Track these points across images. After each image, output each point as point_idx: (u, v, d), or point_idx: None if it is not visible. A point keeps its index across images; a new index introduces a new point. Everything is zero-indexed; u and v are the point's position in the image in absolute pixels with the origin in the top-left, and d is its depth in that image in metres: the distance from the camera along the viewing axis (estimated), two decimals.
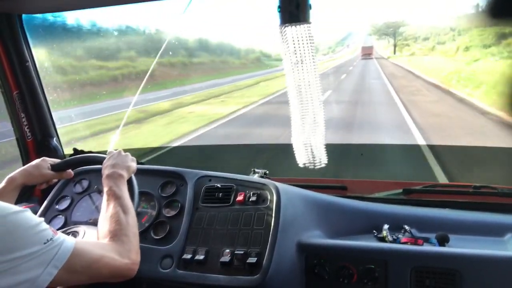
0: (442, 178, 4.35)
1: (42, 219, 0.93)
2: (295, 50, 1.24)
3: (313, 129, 1.34)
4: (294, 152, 1.40)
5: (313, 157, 1.37)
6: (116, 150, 1.37)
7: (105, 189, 1.19)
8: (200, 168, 1.59)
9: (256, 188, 1.44)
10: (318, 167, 1.38)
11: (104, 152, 1.83)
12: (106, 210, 1.13)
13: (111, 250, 1.01)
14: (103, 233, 1.08)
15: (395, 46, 36.19)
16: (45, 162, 1.40)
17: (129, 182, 1.30)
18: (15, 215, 0.87)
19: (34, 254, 0.86)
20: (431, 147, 5.95)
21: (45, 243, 0.88)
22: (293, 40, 1.23)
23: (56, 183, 1.59)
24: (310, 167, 1.38)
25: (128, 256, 1.04)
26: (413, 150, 6.04)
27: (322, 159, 1.37)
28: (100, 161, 1.34)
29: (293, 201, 1.42)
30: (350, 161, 5.08)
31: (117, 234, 1.06)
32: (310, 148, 1.36)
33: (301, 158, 1.38)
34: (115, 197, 1.15)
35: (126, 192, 1.20)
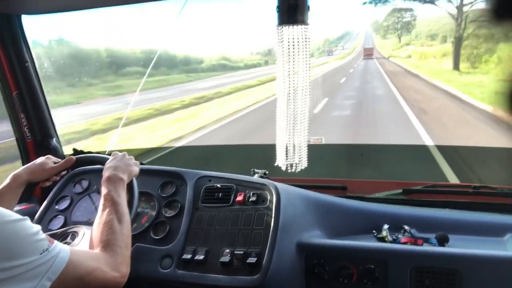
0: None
1: (40, 227, 0.92)
2: (289, 51, 1.24)
3: (299, 131, 1.34)
4: (276, 154, 1.40)
5: (294, 159, 1.38)
6: (121, 152, 1.36)
7: (103, 192, 1.17)
8: (202, 169, 1.59)
9: (256, 188, 1.44)
10: (298, 169, 1.39)
11: (103, 152, 1.83)
12: (101, 216, 1.11)
13: (103, 262, 1.00)
14: (96, 241, 1.06)
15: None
16: (49, 160, 1.40)
17: (130, 184, 1.29)
18: (15, 223, 0.86)
19: (30, 264, 0.84)
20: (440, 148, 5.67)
21: (41, 254, 0.87)
22: (289, 41, 1.23)
23: (56, 183, 1.59)
24: (289, 170, 1.39)
25: (118, 269, 1.01)
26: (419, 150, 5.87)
27: (302, 162, 1.38)
28: (103, 162, 1.34)
29: (293, 201, 1.42)
30: (350, 162, 5.06)
31: (109, 244, 1.04)
32: (292, 150, 1.37)
33: (282, 160, 1.38)
34: (111, 202, 1.14)
35: (124, 199, 1.18)
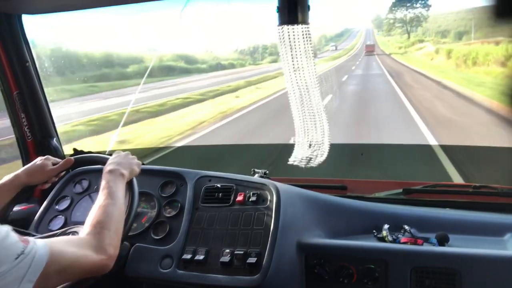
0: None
1: (8, 228, 0.84)
2: (291, 51, 1.24)
3: (315, 128, 1.35)
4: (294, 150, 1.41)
5: (312, 155, 1.38)
6: (124, 151, 1.37)
7: (102, 184, 1.19)
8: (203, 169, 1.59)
9: (256, 188, 1.44)
10: (316, 164, 1.39)
11: (104, 152, 1.83)
12: (97, 202, 1.12)
13: (87, 246, 0.97)
14: (87, 224, 1.06)
15: None
16: (48, 161, 1.40)
17: (130, 184, 1.30)
18: None
19: (5, 273, 0.78)
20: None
21: (16, 259, 0.80)
22: (290, 41, 1.23)
23: (56, 183, 1.59)
24: (305, 164, 1.39)
25: (104, 251, 0.99)
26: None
27: (320, 156, 1.38)
28: (103, 161, 1.34)
29: (293, 201, 1.42)
30: (350, 162, 5.03)
31: (97, 226, 1.03)
32: (310, 146, 1.37)
33: (299, 156, 1.39)
34: (109, 191, 1.15)
35: (121, 192, 1.19)
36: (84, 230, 1.03)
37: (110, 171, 1.22)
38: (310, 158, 1.40)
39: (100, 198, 1.13)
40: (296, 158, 1.41)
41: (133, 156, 1.36)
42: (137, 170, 1.33)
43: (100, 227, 1.03)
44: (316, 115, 1.35)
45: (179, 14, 1.84)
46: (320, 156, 1.39)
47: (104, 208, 1.08)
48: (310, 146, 1.38)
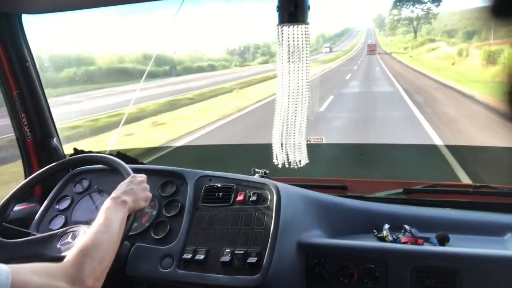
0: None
1: None
2: (288, 50, 1.24)
3: (299, 129, 1.35)
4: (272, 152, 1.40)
5: (294, 157, 1.38)
6: (142, 176, 1.30)
7: (102, 209, 1.14)
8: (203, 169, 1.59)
9: (256, 188, 1.44)
10: (298, 166, 1.38)
11: (104, 152, 1.83)
12: (90, 228, 1.07)
13: (62, 275, 0.89)
14: (71, 250, 0.99)
15: None
16: None
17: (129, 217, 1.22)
18: None
19: None
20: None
21: None
22: (289, 40, 1.23)
23: (56, 184, 1.59)
24: (287, 166, 1.38)
25: (82, 282, 0.90)
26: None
27: (302, 159, 1.38)
28: (123, 174, 1.32)
29: (293, 200, 1.42)
30: (351, 162, 5.02)
31: (80, 253, 0.95)
32: (292, 148, 1.37)
33: (280, 158, 1.39)
34: (104, 217, 1.09)
35: (118, 219, 1.12)
36: (66, 257, 0.96)
37: (113, 198, 1.17)
38: (290, 162, 1.38)
39: (94, 224, 1.08)
40: (278, 160, 1.40)
41: (146, 186, 1.27)
42: (142, 204, 1.23)
43: (82, 255, 0.95)
44: (300, 117, 1.34)
45: (174, 15, 1.84)
46: (303, 159, 1.38)
47: (93, 235, 1.02)
48: (285, 147, 1.36)
